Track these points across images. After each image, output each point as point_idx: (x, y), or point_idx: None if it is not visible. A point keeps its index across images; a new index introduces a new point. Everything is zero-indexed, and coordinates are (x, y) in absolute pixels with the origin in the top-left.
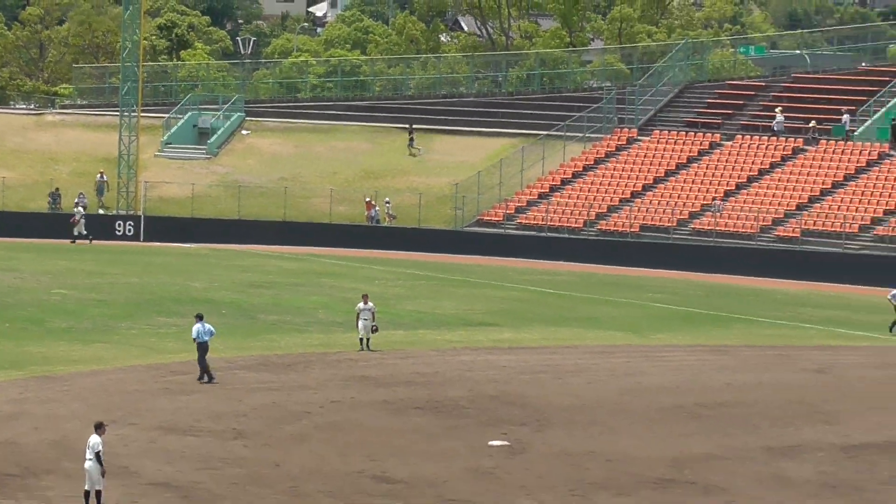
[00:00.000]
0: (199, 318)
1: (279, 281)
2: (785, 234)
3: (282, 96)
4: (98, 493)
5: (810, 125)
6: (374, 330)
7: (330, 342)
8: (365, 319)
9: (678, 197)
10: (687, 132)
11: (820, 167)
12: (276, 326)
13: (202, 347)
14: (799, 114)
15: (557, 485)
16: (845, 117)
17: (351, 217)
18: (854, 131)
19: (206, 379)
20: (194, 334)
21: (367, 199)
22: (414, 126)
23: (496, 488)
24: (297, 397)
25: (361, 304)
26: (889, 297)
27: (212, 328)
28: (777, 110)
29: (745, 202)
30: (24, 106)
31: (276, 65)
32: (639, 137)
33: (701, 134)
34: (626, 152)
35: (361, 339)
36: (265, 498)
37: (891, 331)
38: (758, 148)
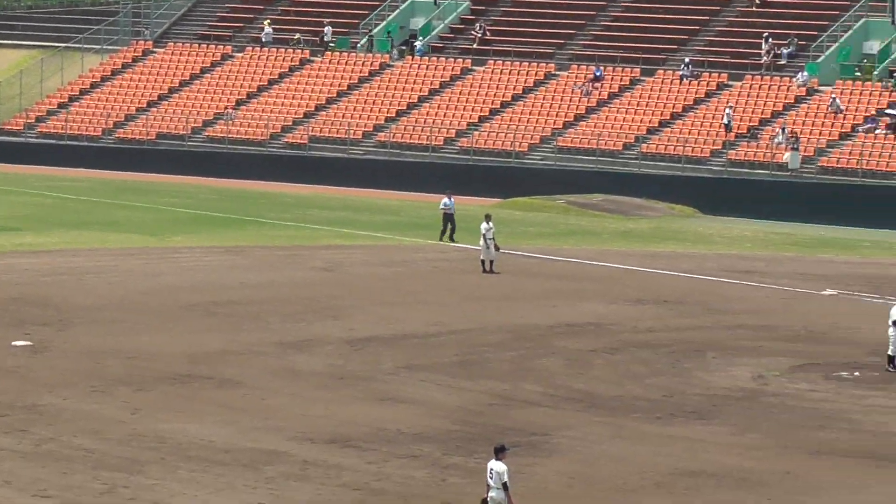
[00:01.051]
0: None
1: None
2: (293, 140)
3: None
4: None
5: (295, 37)
6: None
7: None
8: None
9: (192, 106)
10: (200, 44)
11: (326, 77)
12: None
13: None
14: (304, 27)
15: (80, 381)
16: (327, 29)
17: None
18: (333, 42)
19: None
20: None
21: None
22: None
23: (20, 386)
24: None
25: None
26: (441, 205)
27: None
28: (266, 23)
29: (255, 110)
30: None
31: None
32: (154, 49)
33: (214, 46)
34: (141, 64)
35: None
36: None
37: (441, 239)
38: (268, 59)
